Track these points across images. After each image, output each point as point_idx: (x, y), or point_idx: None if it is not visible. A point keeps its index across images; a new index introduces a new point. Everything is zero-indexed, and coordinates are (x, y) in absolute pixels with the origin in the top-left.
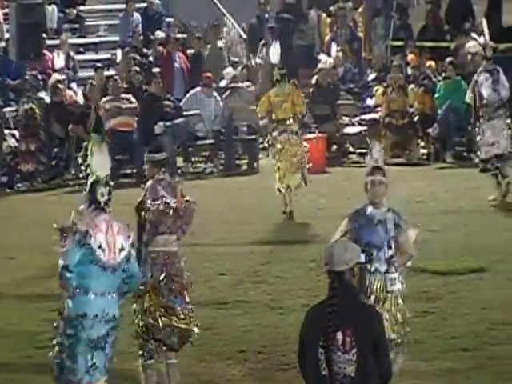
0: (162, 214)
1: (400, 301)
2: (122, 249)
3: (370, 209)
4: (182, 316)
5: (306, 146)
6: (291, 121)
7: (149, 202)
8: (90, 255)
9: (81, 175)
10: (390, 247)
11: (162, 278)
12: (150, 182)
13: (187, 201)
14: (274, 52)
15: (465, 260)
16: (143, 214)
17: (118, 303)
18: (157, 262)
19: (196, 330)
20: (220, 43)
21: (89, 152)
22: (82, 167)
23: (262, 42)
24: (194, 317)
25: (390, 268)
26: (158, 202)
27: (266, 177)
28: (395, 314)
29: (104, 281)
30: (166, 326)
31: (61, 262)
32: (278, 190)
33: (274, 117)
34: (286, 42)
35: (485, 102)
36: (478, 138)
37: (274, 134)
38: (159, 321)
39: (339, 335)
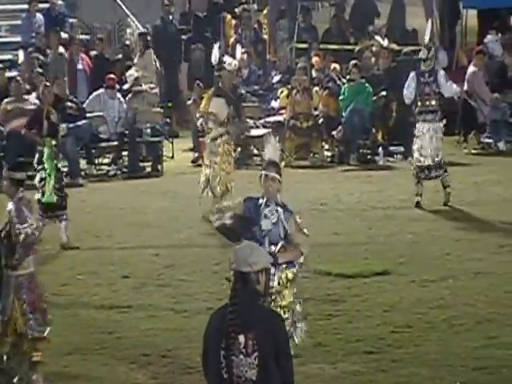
0: (32, 236)
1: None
2: None
3: (261, 201)
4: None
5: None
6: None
7: (19, 226)
8: None
9: (36, 179)
10: (272, 244)
11: (27, 300)
12: (12, 205)
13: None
14: (215, 53)
15: (369, 263)
16: (11, 239)
17: None
18: (23, 285)
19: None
20: (61, 49)
21: (44, 156)
22: (37, 170)
23: (138, 48)
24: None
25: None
26: (27, 225)
27: (170, 179)
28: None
29: None
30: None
31: None
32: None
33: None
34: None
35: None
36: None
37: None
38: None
39: (241, 338)
